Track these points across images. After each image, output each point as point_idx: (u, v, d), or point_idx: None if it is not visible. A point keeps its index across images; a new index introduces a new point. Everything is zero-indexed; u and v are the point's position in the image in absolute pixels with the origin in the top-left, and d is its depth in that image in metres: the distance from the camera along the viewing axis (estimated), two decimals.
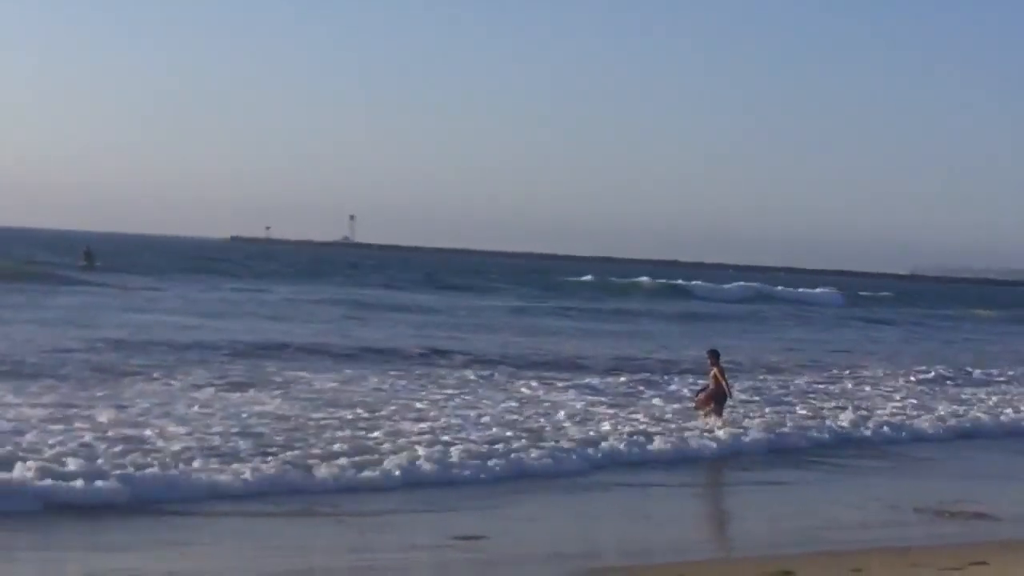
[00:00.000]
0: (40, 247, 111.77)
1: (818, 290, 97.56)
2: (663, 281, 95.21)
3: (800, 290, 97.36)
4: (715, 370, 22.26)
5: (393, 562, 12.13)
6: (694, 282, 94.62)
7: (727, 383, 22.39)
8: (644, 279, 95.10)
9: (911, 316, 78.73)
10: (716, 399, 22.19)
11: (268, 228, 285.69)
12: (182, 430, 17.85)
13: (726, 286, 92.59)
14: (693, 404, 22.83)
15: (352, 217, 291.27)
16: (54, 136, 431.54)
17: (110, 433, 17.13)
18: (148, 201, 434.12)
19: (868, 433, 23.16)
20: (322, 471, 15.72)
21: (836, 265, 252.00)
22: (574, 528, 14.58)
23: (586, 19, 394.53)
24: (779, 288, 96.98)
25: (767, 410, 24.50)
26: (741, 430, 21.62)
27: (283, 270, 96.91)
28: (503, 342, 37.68)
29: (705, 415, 22.09)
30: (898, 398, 28.45)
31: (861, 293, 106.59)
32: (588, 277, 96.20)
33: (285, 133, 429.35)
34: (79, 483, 13.94)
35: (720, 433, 21.13)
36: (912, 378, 33.15)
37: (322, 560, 12.28)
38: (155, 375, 24.27)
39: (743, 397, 25.53)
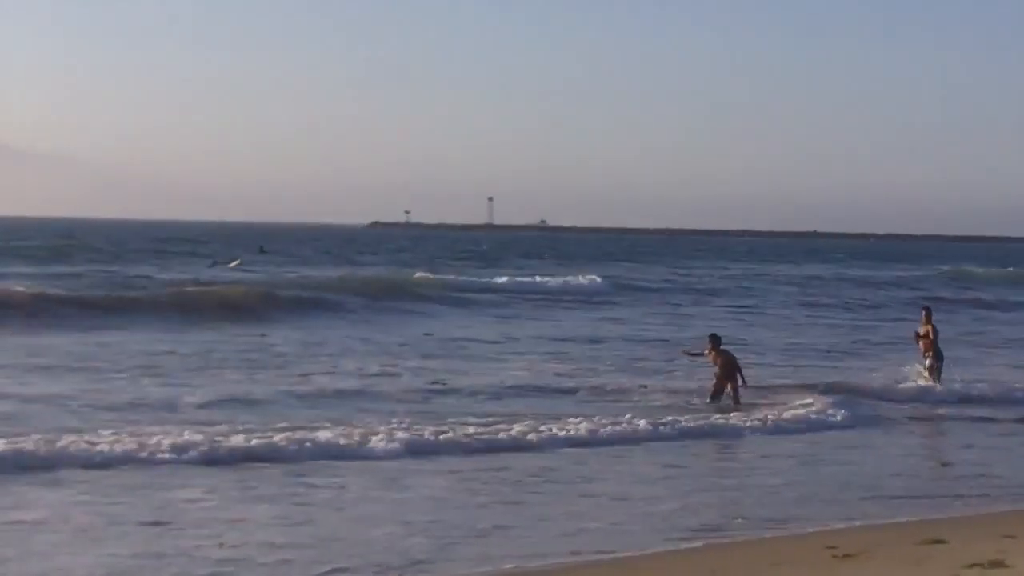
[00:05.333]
0: (210, 241, 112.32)
1: None
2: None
3: None
4: (714, 354, 22.01)
5: None
6: None
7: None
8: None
9: None
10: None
11: (407, 213, 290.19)
12: None
13: None
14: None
15: (491, 199, 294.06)
16: (199, 134, 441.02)
17: None
18: (290, 190, 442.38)
19: None
20: None
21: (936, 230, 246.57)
22: None
23: None
24: None
25: None
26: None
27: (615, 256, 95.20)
28: None
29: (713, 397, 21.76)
30: None
31: None
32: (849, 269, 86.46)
33: (422, 120, 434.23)
34: None
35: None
36: None
37: None
38: None
39: None
